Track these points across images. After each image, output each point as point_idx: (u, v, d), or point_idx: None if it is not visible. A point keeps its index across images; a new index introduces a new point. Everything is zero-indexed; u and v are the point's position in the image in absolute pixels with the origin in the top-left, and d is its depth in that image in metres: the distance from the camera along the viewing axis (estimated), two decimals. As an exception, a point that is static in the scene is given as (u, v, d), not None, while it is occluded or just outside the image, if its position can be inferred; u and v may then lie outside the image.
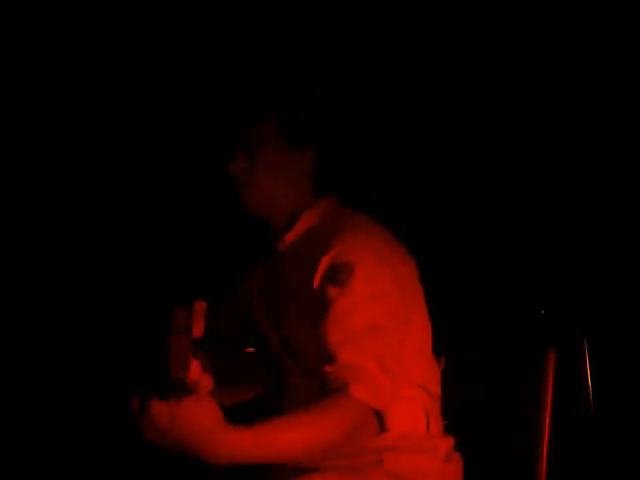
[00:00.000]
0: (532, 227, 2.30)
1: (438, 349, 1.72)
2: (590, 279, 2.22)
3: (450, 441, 1.64)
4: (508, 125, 2.31)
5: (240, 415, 1.43)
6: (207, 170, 2.29)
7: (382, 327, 1.45)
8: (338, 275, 1.48)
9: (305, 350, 1.57)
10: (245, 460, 1.33)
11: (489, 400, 1.75)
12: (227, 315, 1.89)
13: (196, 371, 1.27)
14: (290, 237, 1.66)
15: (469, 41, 2.31)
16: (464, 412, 1.72)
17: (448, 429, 1.67)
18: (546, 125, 2.27)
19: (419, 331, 1.61)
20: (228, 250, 2.51)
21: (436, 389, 1.66)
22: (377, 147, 2.42)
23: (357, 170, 1.79)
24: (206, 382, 1.26)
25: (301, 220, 1.65)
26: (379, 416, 1.44)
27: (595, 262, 2.22)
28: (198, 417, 1.26)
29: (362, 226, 1.58)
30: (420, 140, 2.41)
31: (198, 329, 1.40)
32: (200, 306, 1.42)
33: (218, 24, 2.48)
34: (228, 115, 1.72)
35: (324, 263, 1.51)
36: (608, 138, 2.20)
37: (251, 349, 1.79)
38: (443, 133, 2.39)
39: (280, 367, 1.68)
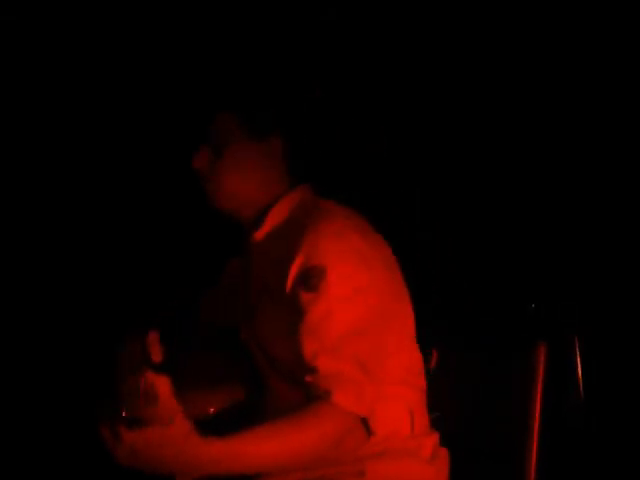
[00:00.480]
0: (522, 222, 2.30)
1: (429, 344, 1.71)
2: (581, 274, 2.22)
3: (435, 437, 1.63)
4: (505, 125, 2.29)
5: (224, 421, 1.43)
6: (171, 171, 2.24)
7: (359, 328, 1.43)
8: (310, 280, 1.44)
9: (281, 357, 1.53)
10: (228, 470, 1.34)
11: (479, 396, 1.75)
12: (211, 313, 1.88)
13: (161, 396, 1.26)
14: (261, 232, 1.61)
15: (467, 41, 2.30)
16: (453, 408, 1.72)
17: (436, 423, 1.67)
18: (542, 129, 2.26)
19: (401, 321, 1.58)
20: (199, 250, 2.46)
21: (420, 381, 1.64)
22: (376, 146, 2.41)
23: (329, 158, 1.75)
24: (170, 404, 1.26)
25: (272, 212, 1.60)
26: (365, 422, 1.43)
27: (586, 257, 2.22)
28: (170, 440, 1.26)
29: (332, 220, 1.52)
30: (420, 140, 2.40)
31: (156, 356, 1.41)
32: (153, 336, 1.43)
33: (181, 17, 2.42)
34: (189, 110, 1.69)
35: (295, 266, 1.47)
36: (596, 137, 2.20)
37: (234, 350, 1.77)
38: (442, 134, 2.38)
39: (259, 371, 1.64)
